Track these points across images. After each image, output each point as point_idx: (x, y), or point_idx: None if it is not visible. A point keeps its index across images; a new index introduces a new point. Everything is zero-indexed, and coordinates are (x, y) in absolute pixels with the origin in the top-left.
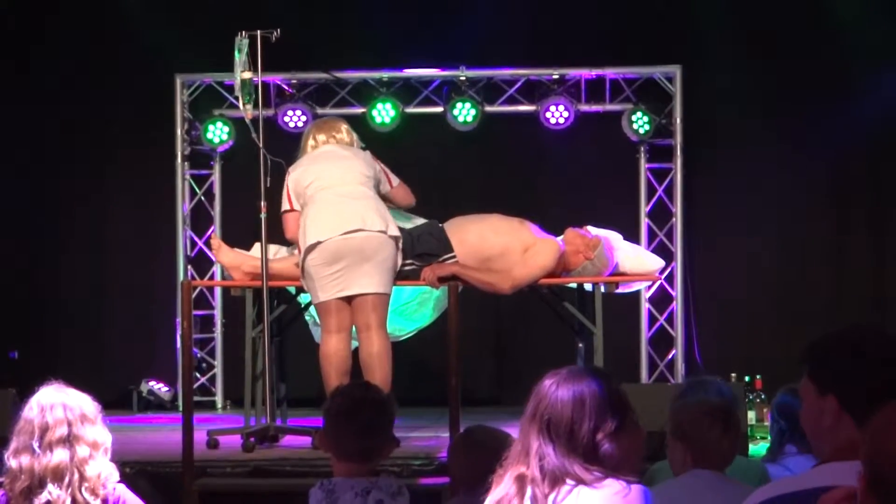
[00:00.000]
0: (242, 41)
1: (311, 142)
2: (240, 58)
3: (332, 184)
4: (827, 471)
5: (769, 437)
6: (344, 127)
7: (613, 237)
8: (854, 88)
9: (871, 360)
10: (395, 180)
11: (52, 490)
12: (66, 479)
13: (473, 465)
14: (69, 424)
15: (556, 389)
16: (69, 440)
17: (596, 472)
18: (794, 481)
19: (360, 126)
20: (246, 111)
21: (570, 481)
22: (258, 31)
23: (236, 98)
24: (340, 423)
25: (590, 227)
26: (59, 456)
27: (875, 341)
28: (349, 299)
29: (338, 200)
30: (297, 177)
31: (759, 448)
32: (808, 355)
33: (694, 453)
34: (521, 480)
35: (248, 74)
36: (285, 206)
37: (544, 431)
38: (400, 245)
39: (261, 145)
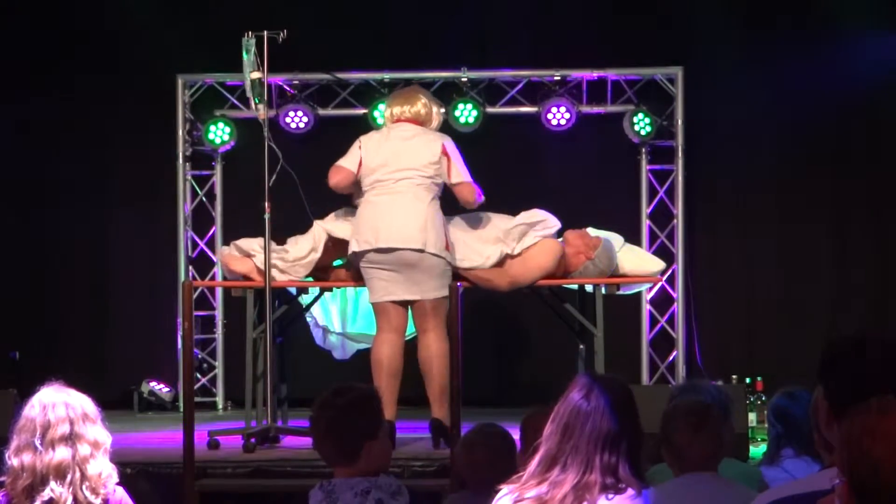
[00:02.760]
0: (249, 42)
1: (388, 113)
2: (248, 58)
3: (388, 181)
4: (831, 474)
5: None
6: (422, 101)
7: (614, 238)
8: (857, 89)
9: (861, 373)
10: (458, 177)
11: (54, 487)
12: (69, 478)
13: (482, 464)
14: (71, 422)
15: (595, 402)
16: (71, 438)
17: (625, 479)
18: (799, 484)
19: (362, 127)
20: (259, 111)
21: (599, 494)
22: (265, 32)
23: (240, 99)
24: (320, 431)
25: (589, 229)
26: (62, 454)
27: (868, 355)
28: (403, 302)
29: (382, 206)
30: (370, 154)
31: (759, 450)
32: (820, 360)
33: (672, 456)
34: (582, 489)
35: (257, 74)
36: (348, 162)
37: (600, 444)
38: (444, 254)
39: (271, 145)
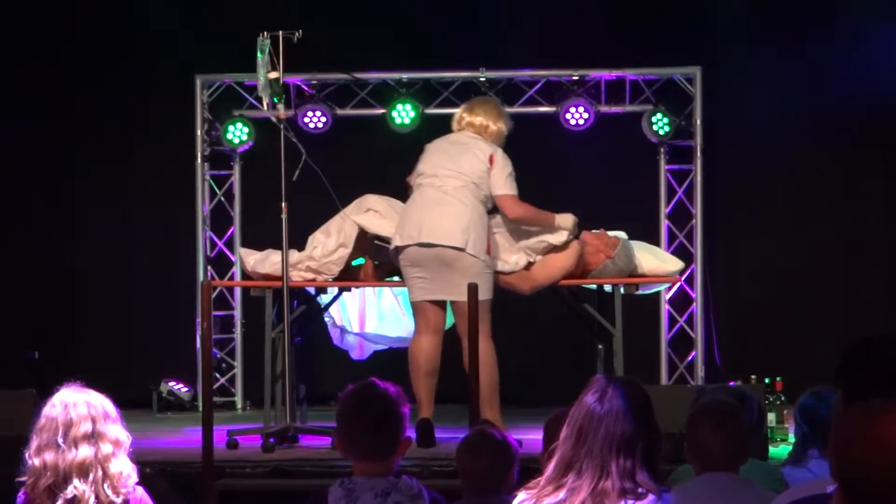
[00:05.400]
0: (265, 42)
1: (456, 118)
2: (262, 58)
3: (433, 182)
4: None
5: (790, 439)
6: (484, 112)
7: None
8: (877, 89)
9: (873, 373)
10: (501, 189)
11: (77, 485)
12: (91, 476)
13: (476, 470)
14: (93, 421)
15: (609, 405)
16: (93, 436)
17: (644, 484)
18: (818, 484)
19: (381, 127)
20: (278, 111)
21: (617, 501)
22: (280, 32)
23: (256, 99)
24: (350, 422)
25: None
26: (84, 452)
27: (880, 355)
28: (441, 302)
29: (429, 204)
30: (426, 157)
31: (779, 450)
32: (840, 361)
33: (694, 454)
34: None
35: (274, 74)
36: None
37: (615, 448)
38: (484, 258)
39: (293, 141)
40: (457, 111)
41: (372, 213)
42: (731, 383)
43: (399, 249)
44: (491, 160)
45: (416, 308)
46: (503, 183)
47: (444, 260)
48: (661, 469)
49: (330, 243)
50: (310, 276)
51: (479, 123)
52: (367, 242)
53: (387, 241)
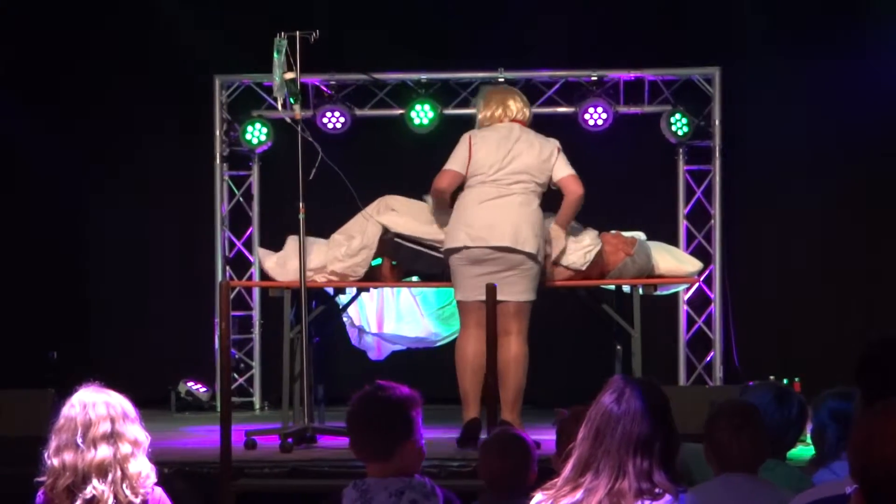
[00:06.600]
0: (281, 42)
1: (497, 111)
2: (279, 58)
3: (502, 181)
4: None
5: (807, 440)
6: (518, 104)
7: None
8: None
9: (890, 373)
10: (566, 170)
11: (96, 486)
12: (110, 476)
13: (498, 470)
14: (112, 421)
15: (627, 405)
16: (112, 437)
17: (661, 485)
18: (836, 485)
19: (399, 127)
20: (293, 111)
21: (634, 501)
22: (297, 32)
23: (274, 99)
24: (356, 423)
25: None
26: (103, 452)
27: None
28: None
29: (496, 204)
30: (484, 151)
31: (797, 451)
32: (859, 361)
33: (714, 454)
34: (617, 496)
35: (291, 75)
36: (453, 164)
37: (632, 449)
38: (541, 260)
39: (309, 140)
40: (499, 102)
41: (393, 212)
42: (751, 383)
43: (457, 249)
44: (558, 150)
45: (465, 307)
46: (565, 165)
47: (511, 262)
48: (679, 469)
49: (353, 245)
50: (334, 279)
51: (529, 114)
52: (386, 242)
53: (409, 238)
